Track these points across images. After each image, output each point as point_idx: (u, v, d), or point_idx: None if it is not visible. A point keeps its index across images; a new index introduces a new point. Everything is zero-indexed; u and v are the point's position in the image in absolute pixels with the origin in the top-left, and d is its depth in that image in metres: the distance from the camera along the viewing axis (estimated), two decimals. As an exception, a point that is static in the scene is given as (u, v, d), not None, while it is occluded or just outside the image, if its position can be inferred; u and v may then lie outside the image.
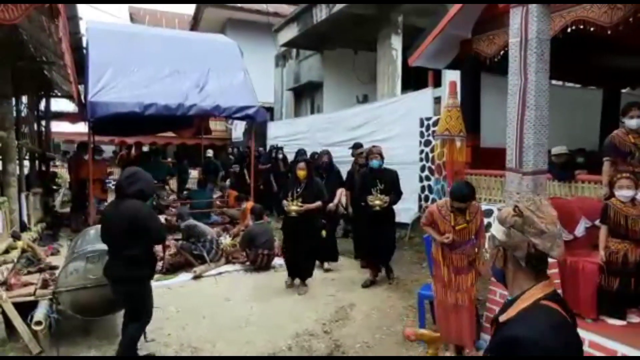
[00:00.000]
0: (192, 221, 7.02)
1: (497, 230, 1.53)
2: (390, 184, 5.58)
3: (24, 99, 9.08)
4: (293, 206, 5.31)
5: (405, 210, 7.98)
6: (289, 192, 5.44)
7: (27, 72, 7.50)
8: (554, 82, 9.59)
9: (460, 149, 5.07)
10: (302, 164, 5.42)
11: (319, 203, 5.43)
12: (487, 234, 1.58)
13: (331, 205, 6.38)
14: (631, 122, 4.12)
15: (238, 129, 17.66)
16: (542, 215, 1.45)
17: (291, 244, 5.60)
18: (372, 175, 5.58)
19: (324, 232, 6.21)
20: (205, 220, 8.37)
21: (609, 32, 4.80)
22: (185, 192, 11.58)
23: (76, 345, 3.99)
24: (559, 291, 3.49)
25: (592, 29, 4.85)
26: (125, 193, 3.37)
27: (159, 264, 6.31)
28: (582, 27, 4.80)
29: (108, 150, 16.56)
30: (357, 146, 7.38)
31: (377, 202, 5.44)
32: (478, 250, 3.75)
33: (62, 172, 15.46)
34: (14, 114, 6.90)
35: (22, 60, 6.81)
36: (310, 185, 5.43)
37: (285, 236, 5.77)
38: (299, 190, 5.37)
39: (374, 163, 5.58)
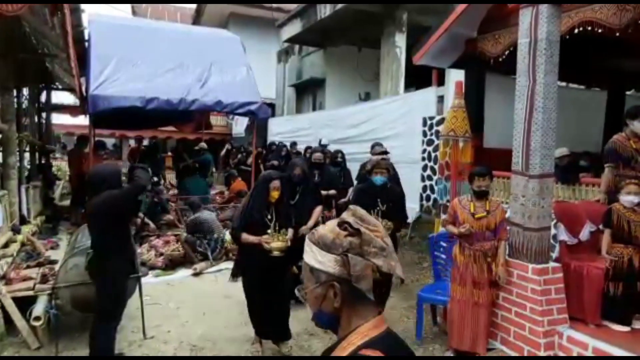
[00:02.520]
0: (201, 216, 6.85)
1: (322, 262, 1.10)
2: (395, 205, 4.43)
3: (25, 91, 9.03)
4: (278, 242, 3.76)
5: (408, 210, 7.96)
6: (253, 220, 3.83)
7: (29, 64, 7.44)
8: (558, 83, 9.57)
9: (464, 149, 5.03)
10: (277, 182, 3.91)
11: (292, 231, 4.04)
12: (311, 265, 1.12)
13: (304, 229, 4.52)
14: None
15: (239, 124, 17.60)
16: (375, 228, 1.13)
17: (264, 294, 3.87)
18: (372, 193, 4.38)
19: (295, 268, 4.77)
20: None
21: (617, 34, 4.79)
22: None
23: (75, 340, 3.95)
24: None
25: (600, 30, 4.83)
26: (98, 193, 3.35)
27: (159, 259, 6.31)
28: (589, 28, 4.78)
29: (108, 143, 16.51)
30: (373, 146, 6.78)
31: None
32: (497, 250, 3.72)
33: (62, 164, 15.42)
34: (15, 106, 6.84)
35: (25, 52, 6.75)
36: (284, 209, 4.09)
37: (255, 286, 3.93)
38: (270, 217, 3.85)
39: (378, 180, 4.37)
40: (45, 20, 5.13)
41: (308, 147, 9.93)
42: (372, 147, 6.90)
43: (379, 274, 1.09)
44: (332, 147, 8.79)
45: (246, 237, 3.81)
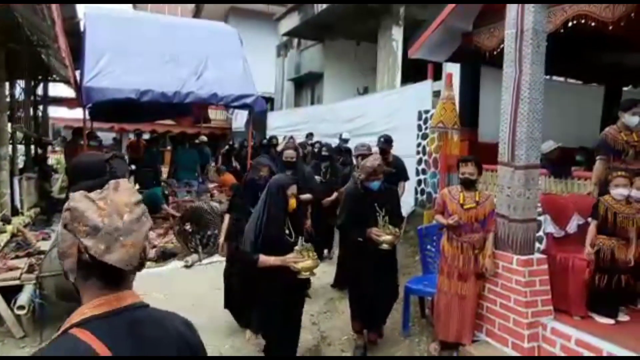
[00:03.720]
0: (204, 207, 6.71)
1: (61, 239, 1.05)
2: (392, 207, 3.92)
3: (21, 83, 9.02)
4: (309, 261, 3.10)
5: (403, 204, 7.91)
6: (271, 238, 3.14)
7: (24, 55, 7.42)
8: (555, 78, 9.51)
9: (454, 142, 4.99)
10: (295, 187, 3.31)
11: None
12: None
13: None
14: (633, 119, 4.04)
15: (239, 119, 17.60)
16: (104, 205, 1.03)
17: (287, 321, 3.33)
18: (370, 198, 3.84)
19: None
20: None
21: (610, 28, 4.76)
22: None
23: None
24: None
25: (593, 24, 4.80)
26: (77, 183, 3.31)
27: (152, 252, 6.31)
28: (583, 21, 4.75)
29: (108, 137, 16.53)
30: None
31: (388, 237, 3.68)
32: (485, 242, 3.70)
33: (61, 157, 15.44)
34: (8, 97, 6.85)
35: (18, 43, 6.74)
36: (299, 220, 3.59)
37: (277, 318, 3.26)
38: (289, 231, 3.27)
39: (375, 185, 3.83)
40: (35, 10, 5.12)
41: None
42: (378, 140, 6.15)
43: (87, 255, 1.00)
44: (334, 142, 8.65)
45: (266, 259, 3.07)
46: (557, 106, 8.12)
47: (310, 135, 9.83)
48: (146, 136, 15.29)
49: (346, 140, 8.57)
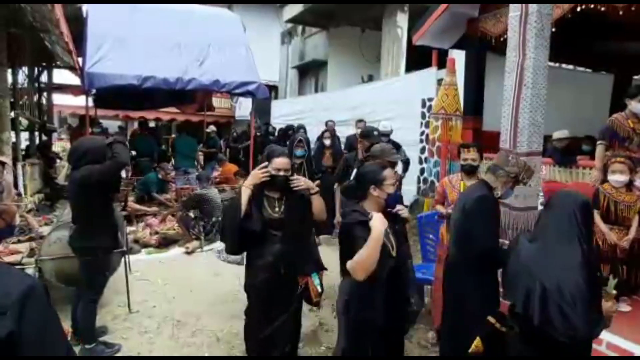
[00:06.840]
0: (207, 194, 6.65)
1: None
2: None
3: (25, 70, 9.02)
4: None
5: (406, 193, 7.88)
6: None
7: (27, 41, 7.41)
8: (564, 66, 9.36)
9: (456, 128, 4.92)
10: None
11: None
12: None
13: None
14: (639, 106, 3.96)
15: (243, 107, 17.52)
16: None
17: None
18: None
19: None
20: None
21: (620, 13, 4.66)
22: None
23: (60, 313, 3.97)
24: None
25: (602, 8, 4.70)
26: (78, 167, 3.28)
27: (153, 238, 6.32)
28: (592, 6, 4.66)
29: (114, 125, 16.51)
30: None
31: None
32: None
33: (67, 145, 15.49)
34: (10, 83, 6.84)
35: (21, 28, 6.71)
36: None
37: None
38: None
39: (510, 194, 3.00)
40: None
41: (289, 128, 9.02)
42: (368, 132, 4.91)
43: None
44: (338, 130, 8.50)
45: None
46: (565, 94, 8.00)
47: (360, 122, 7.86)
48: (152, 124, 15.33)
49: (385, 134, 6.19)
